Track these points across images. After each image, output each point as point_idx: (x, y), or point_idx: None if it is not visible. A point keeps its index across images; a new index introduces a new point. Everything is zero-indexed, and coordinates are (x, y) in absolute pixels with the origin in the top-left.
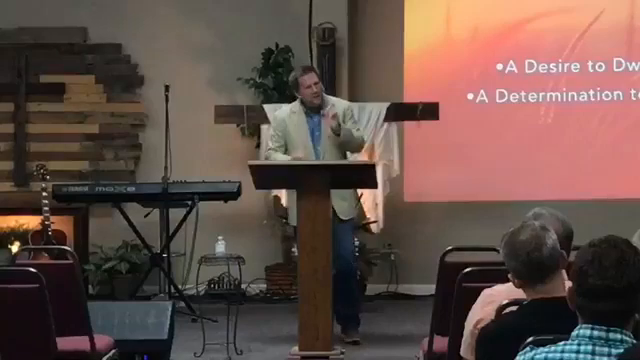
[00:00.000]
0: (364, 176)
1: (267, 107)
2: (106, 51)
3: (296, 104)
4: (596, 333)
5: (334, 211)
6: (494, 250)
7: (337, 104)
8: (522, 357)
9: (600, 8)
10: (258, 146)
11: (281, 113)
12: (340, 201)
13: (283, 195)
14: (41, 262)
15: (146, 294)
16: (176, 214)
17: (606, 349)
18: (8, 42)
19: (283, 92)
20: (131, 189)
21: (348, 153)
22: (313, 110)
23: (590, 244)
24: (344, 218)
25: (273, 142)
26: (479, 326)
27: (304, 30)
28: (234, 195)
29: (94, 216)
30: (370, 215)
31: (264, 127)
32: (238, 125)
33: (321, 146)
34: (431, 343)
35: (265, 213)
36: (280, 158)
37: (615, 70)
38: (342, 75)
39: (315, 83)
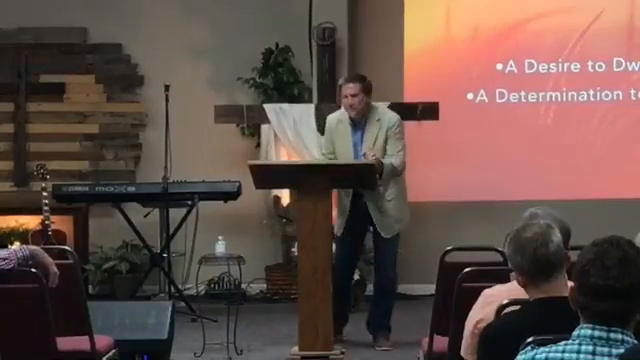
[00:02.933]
0: (364, 176)
1: (267, 107)
2: (106, 51)
3: (344, 111)
4: (597, 333)
5: (374, 227)
6: (494, 250)
7: (383, 118)
8: (523, 357)
9: (600, 8)
10: (258, 146)
11: (332, 119)
12: (380, 217)
13: (283, 195)
14: None
15: (146, 294)
16: (176, 214)
17: (607, 349)
18: (8, 42)
19: (283, 92)
20: (131, 189)
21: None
22: (356, 122)
23: (593, 244)
24: (385, 236)
25: (324, 148)
26: (479, 326)
27: (304, 30)
28: (234, 195)
29: (94, 216)
30: None
31: (264, 127)
32: (238, 125)
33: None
34: (431, 343)
35: (265, 213)
36: None
37: (615, 70)
38: (342, 75)
39: (353, 95)
